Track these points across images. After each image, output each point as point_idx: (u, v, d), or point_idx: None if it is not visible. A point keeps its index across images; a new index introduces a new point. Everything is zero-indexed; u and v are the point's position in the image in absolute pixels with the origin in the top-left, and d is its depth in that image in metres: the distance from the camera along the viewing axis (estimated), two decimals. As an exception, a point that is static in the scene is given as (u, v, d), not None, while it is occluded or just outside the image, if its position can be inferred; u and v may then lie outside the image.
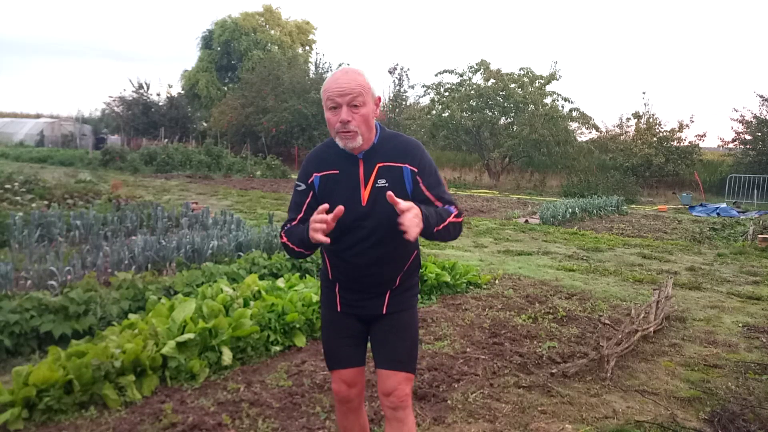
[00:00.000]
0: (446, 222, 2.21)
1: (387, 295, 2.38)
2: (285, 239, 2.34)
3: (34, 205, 9.31)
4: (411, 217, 2.01)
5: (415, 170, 2.26)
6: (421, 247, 2.50)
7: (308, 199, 2.33)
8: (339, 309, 2.45)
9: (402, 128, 27.46)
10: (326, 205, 2.11)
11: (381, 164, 2.26)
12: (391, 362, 2.37)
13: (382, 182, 2.24)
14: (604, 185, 20.12)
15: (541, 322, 5.26)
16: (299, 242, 2.27)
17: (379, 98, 2.32)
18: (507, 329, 5.00)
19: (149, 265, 5.96)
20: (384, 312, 2.39)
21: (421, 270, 2.53)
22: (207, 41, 39.02)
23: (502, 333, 4.89)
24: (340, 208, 2.08)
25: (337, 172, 2.28)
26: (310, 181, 2.32)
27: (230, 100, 31.81)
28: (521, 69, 24.65)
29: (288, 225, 2.37)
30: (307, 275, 5.84)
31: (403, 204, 2.03)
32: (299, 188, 2.35)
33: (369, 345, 2.52)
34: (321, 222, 2.07)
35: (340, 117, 2.17)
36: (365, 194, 2.25)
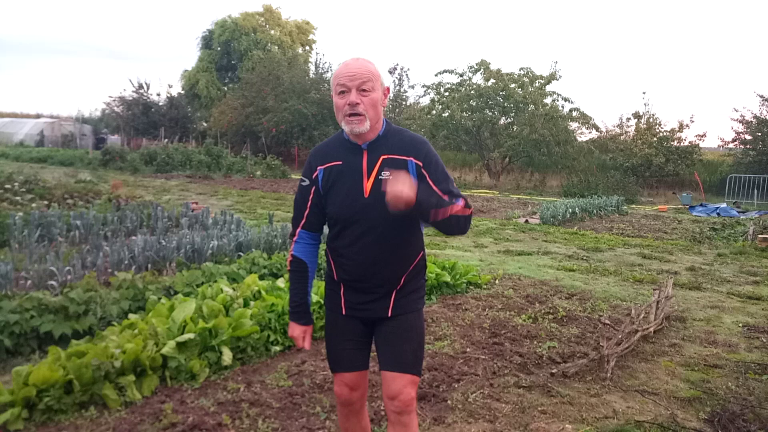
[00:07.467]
0: (449, 209, 2.09)
1: (392, 297, 2.33)
2: (289, 266, 2.45)
3: (34, 205, 9.30)
4: (395, 182, 2.03)
5: (420, 164, 2.24)
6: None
7: (311, 196, 2.33)
8: (344, 312, 2.39)
9: (402, 128, 27.46)
10: (309, 343, 2.47)
11: (385, 156, 2.24)
12: (395, 364, 2.32)
13: (386, 174, 2.20)
14: (604, 185, 20.13)
15: (541, 322, 5.26)
16: (290, 292, 2.48)
17: (388, 89, 2.32)
18: (507, 329, 5.00)
19: (149, 265, 5.96)
20: (389, 315, 2.35)
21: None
22: (207, 41, 39.03)
23: (502, 333, 4.89)
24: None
25: (341, 162, 2.27)
26: (314, 176, 2.31)
27: (230, 100, 31.84)
28: (521, 69, 24.70)
29: (296, 232, 2.40)
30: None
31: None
32: (303, 183, 2.35)
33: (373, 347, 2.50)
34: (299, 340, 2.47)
35: (349, 99, 2.17)
36: (368, 185, 2.22)
